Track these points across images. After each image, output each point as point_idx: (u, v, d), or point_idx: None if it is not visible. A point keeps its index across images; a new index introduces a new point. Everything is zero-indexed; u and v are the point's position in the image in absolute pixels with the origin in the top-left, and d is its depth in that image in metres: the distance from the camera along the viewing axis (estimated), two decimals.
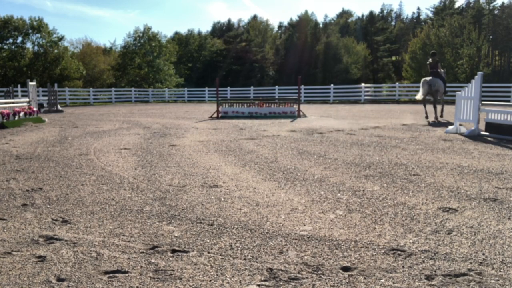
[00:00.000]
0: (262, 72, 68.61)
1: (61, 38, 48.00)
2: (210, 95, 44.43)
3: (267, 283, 3.05)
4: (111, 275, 3.21)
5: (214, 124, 15.98)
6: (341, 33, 77.63)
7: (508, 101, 29.11)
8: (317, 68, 67.89)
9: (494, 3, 74.49)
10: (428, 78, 16.09)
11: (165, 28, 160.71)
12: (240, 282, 3.08)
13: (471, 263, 3.37)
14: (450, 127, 12.40)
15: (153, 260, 3.46)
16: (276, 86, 42.91)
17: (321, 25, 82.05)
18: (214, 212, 4.74)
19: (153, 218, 4.56)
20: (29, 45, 46.75)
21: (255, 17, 77.87)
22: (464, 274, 3.16)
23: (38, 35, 46.66)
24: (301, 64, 66.88)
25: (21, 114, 17.24)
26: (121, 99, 44.73)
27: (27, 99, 19.75)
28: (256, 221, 4.40)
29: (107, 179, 6.47)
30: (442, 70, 17.06)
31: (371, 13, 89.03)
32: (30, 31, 46.06)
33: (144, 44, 54.08)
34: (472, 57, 42.66)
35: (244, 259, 3.47)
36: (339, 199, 5.25)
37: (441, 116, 16.86)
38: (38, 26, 46.31)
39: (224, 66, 67.26)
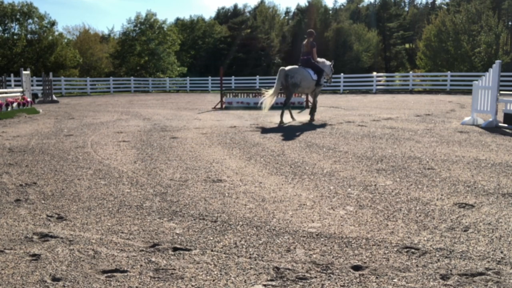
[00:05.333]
0: (268, 60, 68.22)
1: (53, 23, 47.94)
2: (213, 85, 44.40)
3: (273, 283, 3.04)
4: (109, 274, 3.20)
5: (218, 116, 15.98)
6: (352, 19, 77.23)
7: None
8: (327, 56, 67.62)
9: None
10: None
11: (166, 15, 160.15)
12: (245, 281, 3.07)
13: (488, 261, 3.35)
14: (466, 119, 12.34)
15: (153, 259, 3.46)
16: None
17: (330, 11, 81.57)
18: (217, 208, 4.73)
19: (154, 214, 4.56)
20: (16, 28, 46.77)
21: (262, 1, 77.44)
22: (481, 274, 3.15)
23: (30, 20, 46.69)
24: None
25: (14, 104, 17.30)
26: (119, 89, 44.80)
27: (20, 89, 19.85)
28: (262, 218, 4.39)
29: (105, 173, 6.47)
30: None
31: None
32: (20, 17, 46.00)
33: (146, 31, 53.89)
34: (490, 45, 42.29)
35: (250, 258, 3.47)
36: (349, 194, 5.23)
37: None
38: (28, 11, 46.25)
39: (228, 54, 66.92)
